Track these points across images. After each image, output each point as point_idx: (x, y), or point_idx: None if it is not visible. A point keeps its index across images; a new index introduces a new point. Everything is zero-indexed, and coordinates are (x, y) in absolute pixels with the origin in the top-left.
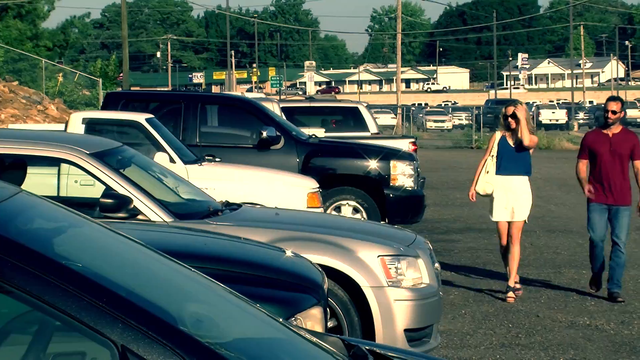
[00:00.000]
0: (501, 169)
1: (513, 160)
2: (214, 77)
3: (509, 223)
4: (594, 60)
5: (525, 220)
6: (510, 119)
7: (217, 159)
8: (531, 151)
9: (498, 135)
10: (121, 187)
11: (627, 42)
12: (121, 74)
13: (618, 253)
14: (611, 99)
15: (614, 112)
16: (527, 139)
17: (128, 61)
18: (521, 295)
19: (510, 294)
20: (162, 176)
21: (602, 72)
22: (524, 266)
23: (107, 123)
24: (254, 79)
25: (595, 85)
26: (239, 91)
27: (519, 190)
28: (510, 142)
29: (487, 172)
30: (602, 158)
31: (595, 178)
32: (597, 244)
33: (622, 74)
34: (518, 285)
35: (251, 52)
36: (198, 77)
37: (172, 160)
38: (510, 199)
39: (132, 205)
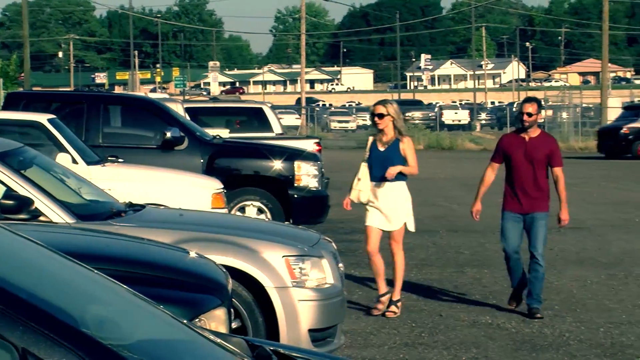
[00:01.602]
0: (373, 175)
1: (383, 164)
2: (117, 78)
3: (388, 232)
4: (495, 61)
5: (410, 229)
6: (377, 119)
7: (120, 160)
8: (411, 156)
9: (370, 139)
10: (22, 188)
11: (527, 44)
12: (22, 74)
13: (536, 266)
14: (526, 100)
15: (529, 115)
16: (410, 170)
17: (29, 61)
18: (395, 311)
19: (393, 307)
20: (64, 177)
21: (504, 73)
22: (427, 265)
23: (7, 124)
24: (158, 79)
25: (497, 86)
26: (142, 91)
27: (392, 196)
28: (380, 146)
29: (359, 179)
30: (516, 163)
31: (509, 184)
32: (511, 255)
33: (523, 75)
34: (399, 302)
35: (155, 52)
36: (101, 78)
37: (74, 161)
38: (384, 206)
39: (34, 207)
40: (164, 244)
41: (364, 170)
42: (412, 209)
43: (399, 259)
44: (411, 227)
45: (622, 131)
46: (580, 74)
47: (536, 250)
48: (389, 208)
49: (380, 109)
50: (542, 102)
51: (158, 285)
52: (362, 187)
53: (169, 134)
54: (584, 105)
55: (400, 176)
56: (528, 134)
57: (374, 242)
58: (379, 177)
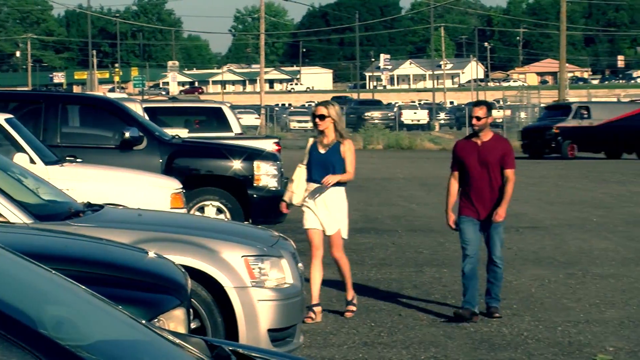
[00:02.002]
0: (312, 177)
1: (323, 167)
2: (75, 77)
3: (329, 237)
4: (454, 61)
5: (344, 236)
6: (317, 120)
7: (78, 160)
8: (350, 160)
9: (311, 140)
10: None
11: (486, 44)
12: None
13: (495, 268)
14: (475, 104)
15: (478, 118)
16: (347, 177)
17: None
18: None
19: (351, 307)
20: (21, 177)
21: (463, 73)
22: (386, 265)
23: None
24: (116, 79)
25: (456, 86)
26: (100, 91)
27: (329, 201)
28: (321, 148)
29: (293, 180)
30: (470, 168)
31: (465, 191)
32: (469, 257)
33: (481, 75)
34: (354, 300)
35: (113, 52)
36: (59, 77)
37: (32, 161)
38: (321, 210)
39: None
40: (123, 244)
41: (299, 172)
42: (347, 215)
43: (343, 263)
44: (344, 234)
45: (552, 130)
46: (538, 74)
47: (494, 255)
48: (325, 212)
49: (322, 110)
50: (501, 102)
51: (117, 285)
52: (295, 189)
53: (127, 134)
54: (542, 105)
55: (338, 182)
56: (480, 138)
57: (318, 243)
58: (319, 180)
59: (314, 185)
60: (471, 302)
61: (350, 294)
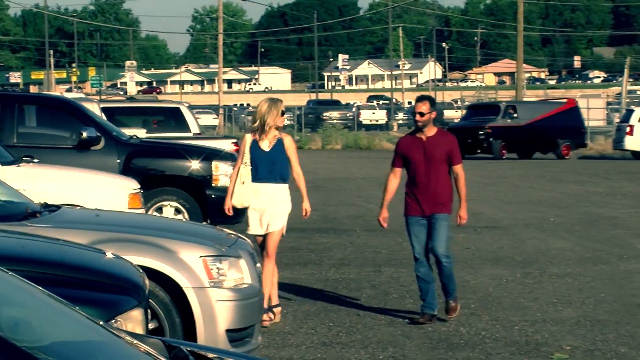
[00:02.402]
0: (257, 177)
1: (270, 165)
2: (32, 77)
3: (268, 234)
4: (412, 61)
5: (283, 233)
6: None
7: (35, 160)
8: (295, 159)
9: (249, 138)
10: None
11: (444, 44)
12: None
13: (442, 266)
14: (419, 99)
15: (421, 114)
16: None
17: None
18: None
19: (265, 316)
20: None
21: (421, 73)
22: (345, 265)
23: None
24: (74, 78)
25: (414, 86)
26: (58, 91)
27: (276, 199)
28: (263, 146)
29: (243, 182)
30: (416, 165)
31: (409, 188)
32: (420, 259)
33: (439, 75)
34: (274, 306)
35: (70, 52)
36: (15, 77)
37: None
38: (268, 209)
39: None
40: (80, 245)
41: (247, 173)
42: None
43: (270, 267)
44: (284, 231)
45: (486, 130)
46: (495, 74)
47: (438, 251)
48: (271, 211)
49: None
50: (459, 102)
51: (74, 286)
52: (246, 190)
53: (85, 134)
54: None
55: (284, 179)
56: (424, 133)
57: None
58: (268, 179)
59: (261, 185)
60: (431, 305)
61: (266, 301)
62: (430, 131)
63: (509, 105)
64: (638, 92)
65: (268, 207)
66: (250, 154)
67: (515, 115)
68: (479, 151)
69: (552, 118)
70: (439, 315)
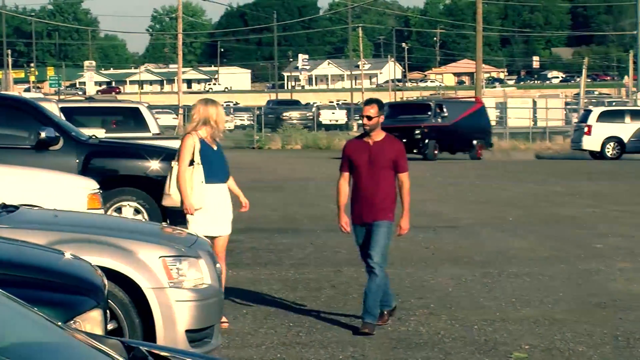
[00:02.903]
0: (215, 178)
1: (219, 165)
2: None
3: (218, 236)
4: (372, 61)
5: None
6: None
7: None
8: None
9: (196, 138)
10: None
11: (404, 44)
12: None
13: (372, 276)
14: (366, 102)
15: (369, 118)
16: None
17: None
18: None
19: (224, 317)
20: None
21: (380, 73)
22: (304, 265)
23: None
24: (32, 78)
25: (374, 86)
26: (16, 91)
27: (228, 199)
28: (213, 145)
29: (202, 182)
30: (360, 169)
31: (354, 193)
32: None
33: (399, 75)
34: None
35: (29, 51)
36: None
37: None
38: (222, 209)
39: None
40: (38, 246)
41: (201, 173)
42: None
43: (224, 268)
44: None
45: (423, 129)
46: (455, 74)
47: (372, 259)
48: (225, 211)
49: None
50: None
51: (32, 287)
52: (203, 191)
53: (43, 134)
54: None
55: (227, 178)
56: (372, 137)
57: (216, 247)
58: (221, 179)
59: (215, 186)
60: (388, 303)
61: None
62: (378, 136)
63: (438, 104)
64: (597, 93)
65: (222, 208)
66: (201, 154)
67: (444, 114)
68: (415, 151)
69: (469, 117)
70: (399, 315)
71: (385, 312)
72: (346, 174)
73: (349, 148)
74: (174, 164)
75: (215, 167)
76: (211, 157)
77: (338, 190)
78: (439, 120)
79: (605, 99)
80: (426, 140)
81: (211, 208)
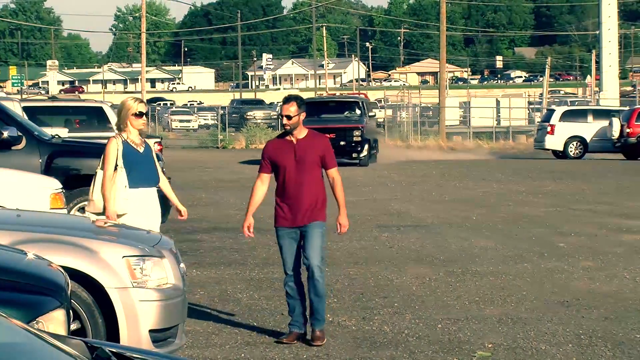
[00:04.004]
0: (134, 181)
1: (145, 168)
2: None
3: None
4: (336, 61)
5: None
6: (143, 119)
7: None
8: (157, 162)
9: (119, 141)
10: None
11: (367, 44)
12: None
13: (314, 282)
14: (285, 100)
15: (288, 117)
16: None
17: None
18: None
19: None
20: None
21: (345, 72)
22: (269, 265)
23: None
24: None
25: (338, 85)
26: None
27: (154, 204)
28: (137, 148)
29: (126, 186)
30: (286, 170)
31: (279, 196)
32: (290, 274)
33: (363, 75)
34: None
35: None
36: None
37: None
38: (152, 213)
39: None
40: (0, 245)
41: (124, 177)
42: None
43: None
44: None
45: (361, 130)
46: (419, 73)
47: (312, 262)
48: (152, 216)
49: (144, 108)
50: (383, 102)
51: None
52: (127, 196)
53: (5, 134)
54: (422, 105)
55: (157, 183)
56: (294, 136)
57: None
58: (151, 183)
59: (141, 190)
60: (298, 324)
61: None
62: (301, 133)
63: (364, 102)
64: (562, 92)
65: (148, 213)
66: (125, 157)
67: (371, 113)
68: (354, 156)
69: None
70: (363, 315)
71: (293, 332)
72: (265, 176)
73: (271, 149)
74: (98, 169)
75: (140, 170)
76: (136, 160)
77: (252, 192)
78: (366, 120)
79: (570, 98)
80: (365, 145)
81: (136, 213)
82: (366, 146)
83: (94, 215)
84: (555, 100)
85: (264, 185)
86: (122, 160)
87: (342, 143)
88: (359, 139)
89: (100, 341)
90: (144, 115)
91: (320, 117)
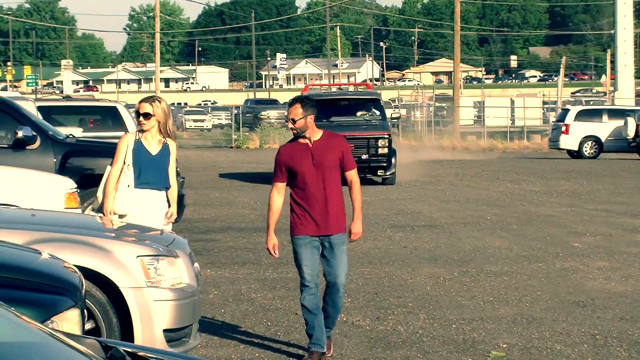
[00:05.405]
0: (144, 182)
1: (157, 170)
2: None
3: None
4: (350, 60)
5: None
6: (142, 119)
7: None
8: (173, 166)
9: (131, 139)
10: None
11: (381, 43)
12: None
13: (336, 298)
14: (290, 103)
15: (293, 121)
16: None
17: None
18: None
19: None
20: None
21: (359, 72)
22: (283, 264)
23: None
24: (9, 77)
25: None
26: None
27: (160, 208)
28: (149, 148)
29: (129, 185)
30: (304, 175)
31: (297, 203)
32: (310, 287)
33: (377, 74)
34: None
35: (6, 50)
36: None
37: None
38: (147, 217)
39: None
40: (15, 245)
41: (130, 176)
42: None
43: None
44: None
45: (387, 139)
46: (433, 73)
47: (339, 281)
48: (154, 219)
49: (146, 108)
50: (397, 102)
51: (9, 286)
52: (130, 195)
53: (20, 133)
54: (436, 104)
55: (167, 187)
56: (309, 138)
57: None
58: (158, 186)
59: (146, 192)
60: (319, 342)
61: None
62: (315, 134)
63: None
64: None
65: (151, 216)
66: (135, 156)
67: (396, 114)
68: (380, 173)
69: None
70: (377, 315)
71: (315, 352)
72: (281, 185)
73: (285, 154)
74: (108, 167)
75: (148, 171)
76: (145, 161)
77: (270, 204)
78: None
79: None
80: (392, 158)
81: (138, 214)
82: (393, 160)
83: (94, 213)
84: (570, 99)
85: (280, 195)
86: (131, 158)
87: (363, 157)
88: (385, 150)
89: (115, 341)
90: (142, 116)
91: (330, 121)
